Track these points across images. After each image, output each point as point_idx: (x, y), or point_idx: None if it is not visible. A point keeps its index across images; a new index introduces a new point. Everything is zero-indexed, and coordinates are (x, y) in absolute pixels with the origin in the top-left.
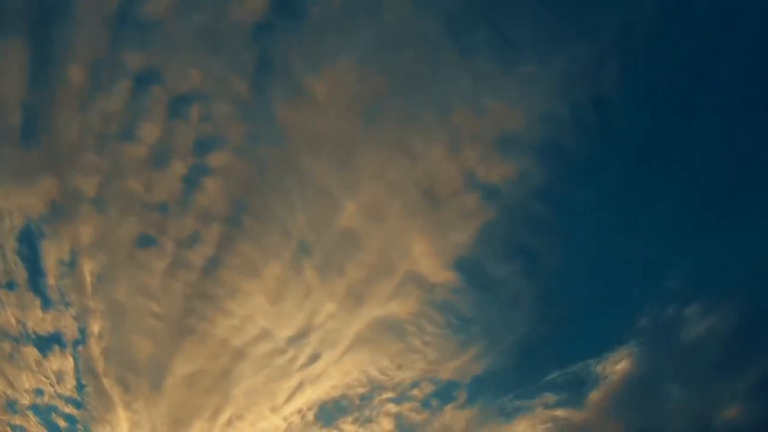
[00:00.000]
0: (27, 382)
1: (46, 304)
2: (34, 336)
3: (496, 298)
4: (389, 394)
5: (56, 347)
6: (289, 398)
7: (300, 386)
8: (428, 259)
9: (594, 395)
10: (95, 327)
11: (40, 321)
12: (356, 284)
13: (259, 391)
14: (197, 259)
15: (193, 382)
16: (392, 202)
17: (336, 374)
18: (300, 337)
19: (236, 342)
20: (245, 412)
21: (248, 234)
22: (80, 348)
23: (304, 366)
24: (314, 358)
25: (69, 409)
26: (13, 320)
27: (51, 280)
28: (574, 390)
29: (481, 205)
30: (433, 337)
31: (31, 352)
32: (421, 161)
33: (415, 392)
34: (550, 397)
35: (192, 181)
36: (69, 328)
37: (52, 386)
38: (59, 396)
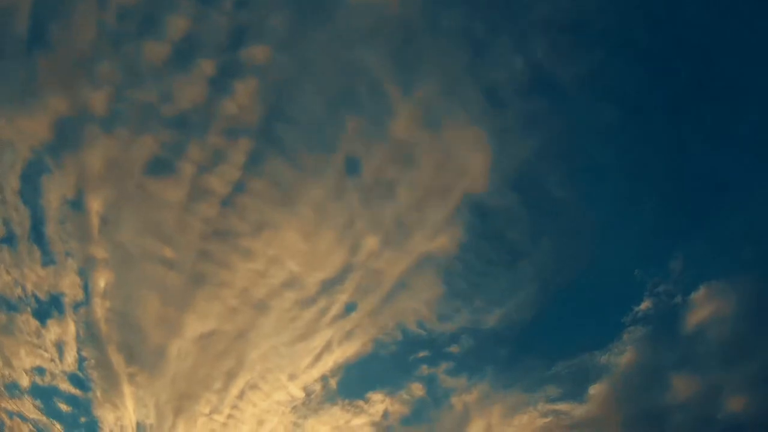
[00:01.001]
0: (26, 358)
1: (47, 258)
2: (32, 301)
3: (555, 226)
4: (424, 352)
5: (56, 313)
6: (313, 362)
7: (327, 346)
8: (486, 177)
9: (596, 388)
10: (99, 281)
11: (41, 280)
12: (406, 211)
13: (279, 354)
14: (219, 186)
15: (205, 346)
16: (451, 105)
17: (370, 328)
18: (335, 282)
19: (258, 292)
20: (260, 381)
21: (283, 149)
22: (82, 310)
23: (335, 320)
24: (348, 308)
25: (69, 388)
26: (10, 281)
27: (53, 228)
28: (577, 382)
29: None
30: (481, 277)
31: (30, 323)
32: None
33: (453, 349)
34: (553, 390)
35: (220, 84)
36: (71, 287)
37: (53, 361)
38: (60, 374)
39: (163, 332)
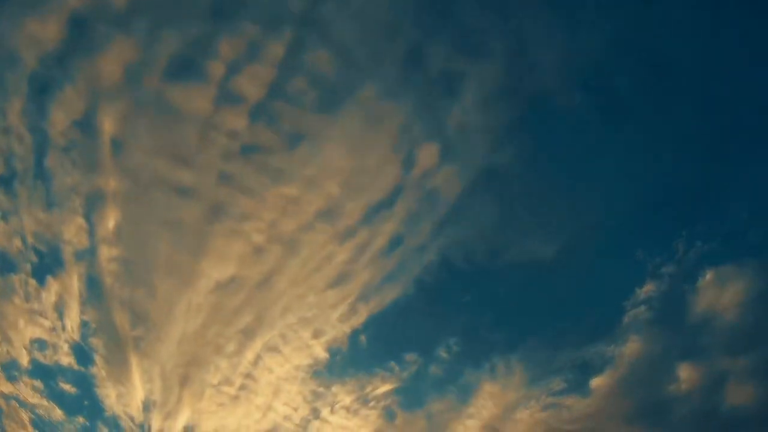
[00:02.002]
0: (25, 330)
1: (50, 199)
2: (32, 254)
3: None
4: (467, 297)
5: (57, 269)
6: (345, 313)
7: (364, 292)
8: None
9: (599, 381)
10: (107, 222)
11: (41, 227)
12: (472, 112)
13: (306, 305)
14: (251, 89)
15: (220, 298)
16: None
17: (413, 267)
18: (381, 206)
19: (287, 226)
20: (280, 342)
21: (330, 38)
22: (86, 262)
23: (376, 257)
24: (395, 241)
25: (71, 362)
26: (9, 231)
27: (57, 159)
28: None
29: None
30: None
31: (29, 284)
32: None
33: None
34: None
35: None
36: (75, 233)
37: (54, 330)
38: (61, 345)
39: (174, 283)
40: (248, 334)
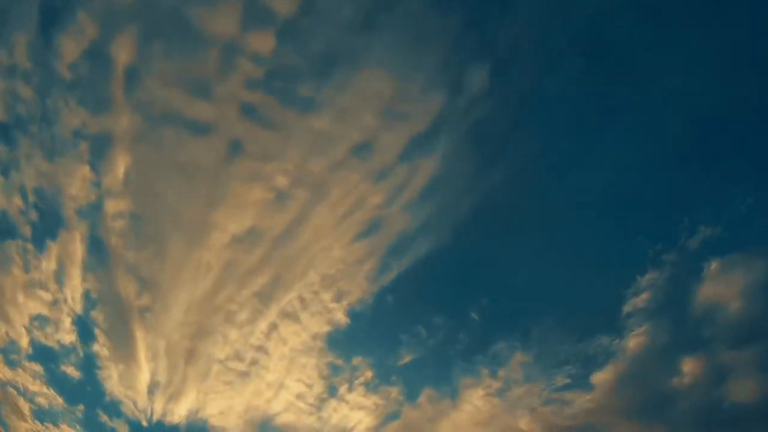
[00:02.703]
0: (24, 306)
1: (54, 146)
2: (33, 213)
3: None
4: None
5: (60, 231)
6: (376, 269)
7: (399, 245)
8: None
9: (601, 375)
10: (115, 170)
11: (44, 180)
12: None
13: (331, 260)
14: (281, 2)
15: (235, 255)
16: None
17: (453, 213)
18: (424, 139)
19: (316, 165)
20: (299, 306)
21: None
22: (90, 221)
23: (414, 201)
24: (436, 181)
25: (73, 339)
26: (10, 186)
27: (64, 99)
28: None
29: None
30: None
31: (28, 251)
32: None
33: None
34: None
35: None
36: (80, 185)
37: (55, 304)
38: (63, 321)
39: (184, 239)
40: (263, 298)
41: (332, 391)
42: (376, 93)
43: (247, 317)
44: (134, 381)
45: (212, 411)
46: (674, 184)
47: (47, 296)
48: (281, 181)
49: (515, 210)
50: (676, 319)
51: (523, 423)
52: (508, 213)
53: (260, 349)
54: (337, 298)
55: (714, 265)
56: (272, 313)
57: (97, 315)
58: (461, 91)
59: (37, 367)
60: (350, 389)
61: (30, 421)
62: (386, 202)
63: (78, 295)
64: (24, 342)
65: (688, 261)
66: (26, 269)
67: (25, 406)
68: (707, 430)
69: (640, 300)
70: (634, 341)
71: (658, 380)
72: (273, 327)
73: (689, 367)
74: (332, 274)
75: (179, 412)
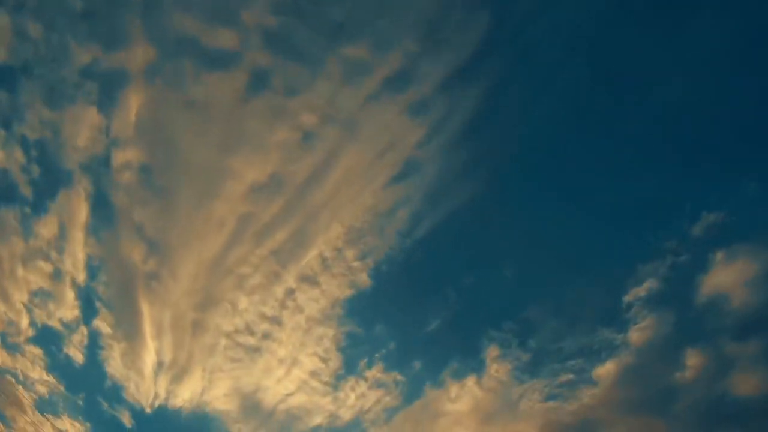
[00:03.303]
0: (23, 280)
1: (61, 92)
2: (35, 170)
3: None
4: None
5: (63, 190)
6: (408, 220)
7: (433, 190)
8: None
9: (602, 369)
10: (127, 108)
11: (49, 130)
12: None
13: (360, 210)
14: None
15: (252, 207)
16: None
17: (496, 153)
18: (468, 68)
19: (347, 99)
20: (318, 268)
21: None
22: (96, 174)
23: (455, 138)
24: (478, 118)
25: (74, 314)
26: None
27: (73, 30)
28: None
29: None
30: None
31: (27, 216)
32: None
33: None
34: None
35: None
36: (87, 134)
37: (56, 276)
38: (65, 294)
39: (198, 191)
40: (281, 258)
41: (350, 368)
42: (416, 15)
43: (260, 282)
44: (138, 361)
45: (218, 393)
46: (677, 174)
47: (47, 267)
48: (308, 118)
49: (560, 155)
50: (679, 310)
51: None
52: (554, 160)
53: (273, 319)
54: (362, 256)
55: (719, 254)
56: (290, 276)
57: (100, 287)
58: (510, 15)
59: (38, 351)
60: (369, 365)
61: (30, 412)
62: (423, 140)
63: (80, 264)
64: (24, 322)
65: (693, 250)
66: (25, 237)
67: (24, 397)
68: (711, 425)
69: (643, 290)
70: (637, 334)
71: (662, 374)
72: (289, 293)
73: (693, 360)
74: (359, 227)
75: (184, 395)
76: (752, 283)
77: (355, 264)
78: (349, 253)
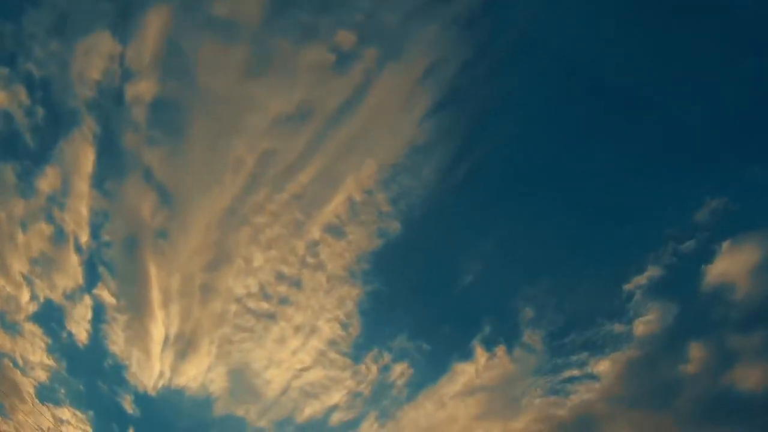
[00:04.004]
0: (24, 246)
1: (73, 19)
2: (39, 111)
3: None
4: None
5: (68, 135)
6: (457, 152)
7: (488, 115)
8: None
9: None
10: (147, 28)
11: (56, 63)
12: None
13: (399, 142)
14: None
15: (277, 142)
16: None
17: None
18: None
19: (391, 11)
20: (346, 215)
21: None
22: (105, 112)
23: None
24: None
25: (77, 281)
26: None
27: None
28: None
29: None
30: None
31: (26, 170)
32: None
33: None
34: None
35: None
36: (100, 67)
37: (59, 238)
38: (68, 256)
39: (216, 126)
40: (304, 203)
41: (372, 336)
42: None
43: (279, 233)
44: (143, 334)
45: (225, 369)
46: (680, 161)
47: (48, 229)
48: (344, 37)
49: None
50: (683, 301)
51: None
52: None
53: (290, 280)
54: (395, 199)
55: (724, 242)
56: (313, 226)
57: (104, 249)
58: None
59: (38, 330)
60: (393, 334)
61: (29, 401)
62: (471, 61)
63: (83, 221)
64: (24, 297)
65: (696, 238)
66: (25, 195)
67: (24, 383)
68: (715, 419)
69: (648, 280)
70: (641, 326)
71: (666, 366)
72: (311, 246)
73: (696, 352)
74: (394, 163)
75: (189, 373)
76: (757, 271)
77: (387, 209)
78: (381, 196)
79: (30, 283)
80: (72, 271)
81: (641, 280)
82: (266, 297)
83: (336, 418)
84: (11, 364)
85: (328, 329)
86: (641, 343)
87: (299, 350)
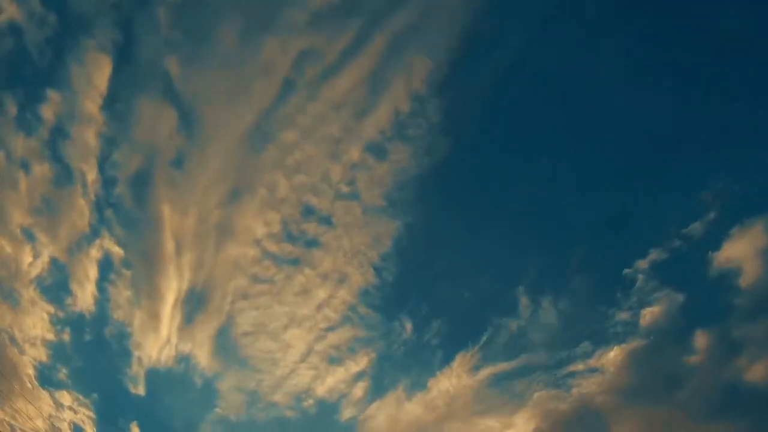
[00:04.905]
0: (27, 195)
1: None
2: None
3: None
4: None
5: (81, 46)
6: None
7: None
8: None
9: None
10: None
11: None
12: None
13: None
14: None
15: (314, 42)
16: None
17: None
18: None
19: None
20: (390, 131)
21: None
22: (124, 21)
23: None
24: None
25: (85, 224)
26: None
27: None
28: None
29: None
30: None
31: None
32: None
33: None
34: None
35: None
36: None
37: (64, 175)
38: (74, 205)
39: (250, 22)
40: (341, 114)
41: (408, 283)
42: None
43: (310, 153)
44: (151, 291)
45: (239, 330)
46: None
47: (51, 171)
48: None
49: None
50: (690, 288)
51: None
52: None
53: (319, 214)
54: (449, 108)
55: (735, 229)
56: (350, 143)
57: (113, 190)
58: None
59: (40, 298)
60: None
61: (28, 383)
62: None
63: (91, 153)
64: (26, 257)
65: (709, 225)
66: (27, 129)
67: (23, 364)
68: (720, 412)
69: (645, 263)
70: (647, 316)
71: (672, 356)
72: (348, 170)
73: (702, 342)
74: (451, 61)
75: (198, 337)
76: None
77: (437, 119)
78: (432, 105)
79: (32, 239)
80: (77, 217)
81: (643, 264)
82: (290, 238)
83: (361, 387)
84: (9, 342)
85: (359, 277)
86: (647, 331)
87: (325, 304)
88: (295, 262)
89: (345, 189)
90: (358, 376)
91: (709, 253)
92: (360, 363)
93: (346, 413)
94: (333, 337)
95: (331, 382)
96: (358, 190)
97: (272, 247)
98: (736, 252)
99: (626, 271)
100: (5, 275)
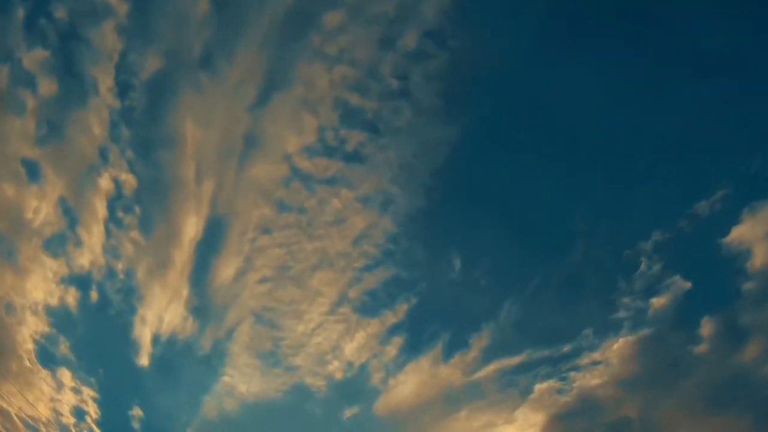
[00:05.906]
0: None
1: None
2: None
3: None
4: None
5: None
6: None
7: None
8: None
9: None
10: None
11: None
12: None
13: None
14: None
15: None
16: None
17: None
18: None
19: None
20: None
21: None
22: None
23: None
24: None
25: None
26: None
27: None
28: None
29: None
30: None
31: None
32: None
33: None
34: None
35: None
36: None
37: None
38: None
39: None
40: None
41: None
42: None
43: (357, 37)
44: (164, 235)
45: (257, 276)
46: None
47: (55, 85)
48: None
49: None
50: (697, 273)
51: None
52: None
53: (362, 117)
54: None
55: (744, 214)
56: (408, 30)
57: (130, 97)
58: None
59: (45, 256)
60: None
61: (27, 362)
62: None
63: (110, 50)
64: (30, 203)
65: (717, 211)
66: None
67: (21, 336)
68: (724, 405)
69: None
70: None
71: (679, 344)
72: (399, 65)
73: (708, 330)
74: None
75: (220, 278)
76: None
77: None
78: None
79: (36, 174)
80: (87, 142)
81: (646, 246)
82: (327, 151)
83: (396, 343)
84: (5, 311)
85: (405, 200)
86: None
87: (362, 239)
88: (331, 181)
89: (393, 84)
90: (394, 329)
91: (720, 236)
92: (398, 313)
93: (376, 377)
94: (370, 279)
95: (361, 338)
96: (407, 88)
97: (304, 164)
98: (747, 233)
99: (627, 252)
100: (4, 227)
